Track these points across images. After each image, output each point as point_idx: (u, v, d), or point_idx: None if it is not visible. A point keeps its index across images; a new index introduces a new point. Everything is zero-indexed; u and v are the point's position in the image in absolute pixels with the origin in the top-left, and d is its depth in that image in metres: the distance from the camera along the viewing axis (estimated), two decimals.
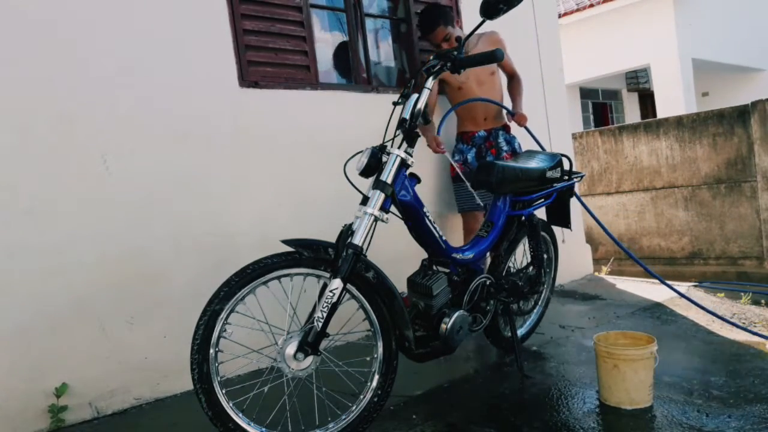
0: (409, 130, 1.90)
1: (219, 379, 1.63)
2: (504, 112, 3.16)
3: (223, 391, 1.63)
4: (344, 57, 3.11)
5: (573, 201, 2.67)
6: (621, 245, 3.00)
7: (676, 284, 3.88)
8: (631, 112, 12.68)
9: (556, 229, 2.76)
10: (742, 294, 3.56)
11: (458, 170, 2.87)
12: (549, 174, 2.43)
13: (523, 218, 2.47)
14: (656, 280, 3.67)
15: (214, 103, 2.52)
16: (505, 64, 3.20)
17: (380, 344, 1.84)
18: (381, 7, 3.33)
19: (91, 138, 2.22)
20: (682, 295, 2.96)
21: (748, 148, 4.86)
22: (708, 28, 10.00)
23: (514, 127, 3.17)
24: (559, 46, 4.18)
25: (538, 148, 3.16)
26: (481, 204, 2.92)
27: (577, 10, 10.10)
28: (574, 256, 4.10)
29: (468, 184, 2.64)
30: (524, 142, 3.21)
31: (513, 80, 3.25)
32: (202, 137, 2.48)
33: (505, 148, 3.07)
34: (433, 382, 2.27)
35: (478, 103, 3.06)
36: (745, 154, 4.88)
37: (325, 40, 3.05)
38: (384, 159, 1.86)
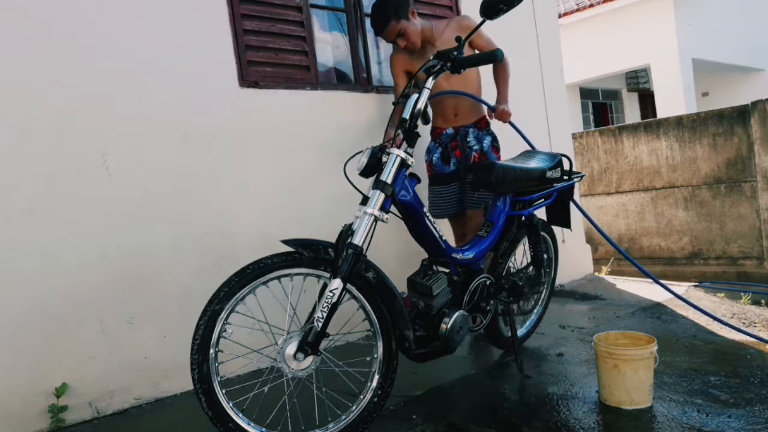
0: (409, 130, 1.90)
1: (219, 379, 1.63)
2: (483, 106, 2.80)
3: (223, 391, 1.63)
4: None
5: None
6: (614, 243, 2.99)
7: (676, 284, 3.89)
8: (631, 112, 12.69)
9: (556, 229, 2.76)
10: (742, 294, 3.56)
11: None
12: (549, 174, 2.43)
13: (523, 218, 2.47)
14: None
15: (214, 102, 2.52)
16: (481, 48, 2.79)
17: (380, 344, 1.84)
18: None
19: (91, 138, 2.22)
20: (676, 295, 2.96)
21: (748, 148, 4.86)
22: (708, 28, 10.00)
23: (499, 123, 2.79)
24: (559, 46, 4.18)
25: (535, 147, 3.09)
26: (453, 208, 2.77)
27: (577, 10, 10.11)
28: (574, 256, 4.10)
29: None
30: (509, 140, 2.92)
31: (497, 64, 2.79)
32: (202, 137, 2.48)
33: (475, 147, 2.71)
34: (433, 382, 2.27)
35: (448, 97, 2.70)
36: (745, 154, 4.88)
37: (325, 40, 3.05)
38: (384, 159, 1.86)
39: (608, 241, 2.91)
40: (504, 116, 2.69)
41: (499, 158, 2.78)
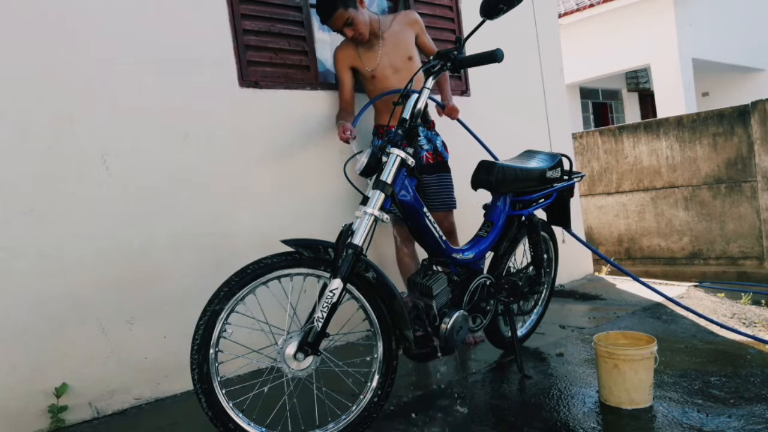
0: (409, 130, 1.90)
1: (219, 379, 1.63)
2: (433, 105, 2.81)
3: (223, 391, 1.63)
4: None
5: (573, 201, 2.66)
6: (609, 259, 2.99)
7: (676, 284, 3.90)
8: (631, 112, 12.69)
9: (556, 229, 2.76)
10: (743, 294, 3.56)
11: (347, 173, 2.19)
12: (549, 174, 2.43)
13: (523, 218, 2.47)
14: (656, 280, 3.68)
15: (214, 102, 2.52)
16: (426, 47, 2.79)
17: (380, 344, 1.84)
18: (381, 7, 3.33)
19: (91, 138, 2.22)
20: (672, 300, 2.95)
21: (748, 148, 4.86)
22: (708, 28, 10.00)
23: (444, 122, 2.79)
24: (559, 46, 4.19)
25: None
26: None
27: (577, 10, 10.11)
28: (574, 256, 4.11)
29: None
30: (452, 146, 2.80)
31: None
32: (203, 137, 2.48)
33: (426, 147, 2.67)
34: (434, 382, 2.27)
35: (396, 94, 2.58)
36: (745, 154, 4.88)
37: (325, 40, 3.05)
38: (384, 159, 1.86)
39: (601, 257, 2.91)
40: (453, 112, 2.73)
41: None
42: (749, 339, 2.56)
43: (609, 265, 4.86)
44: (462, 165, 2.73)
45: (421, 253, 2.35)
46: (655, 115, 9.94)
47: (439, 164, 2.68)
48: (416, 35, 2.75)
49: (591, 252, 4.37)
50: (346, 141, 2.51)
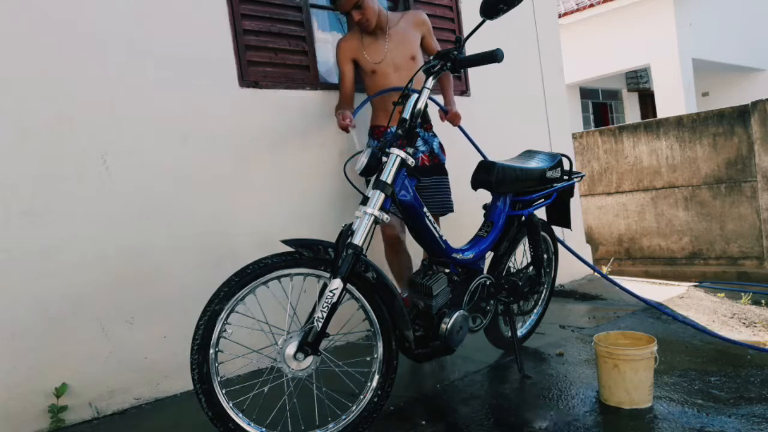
0: (409, 130, 1.90)
1: (219, 379, 1.63)
2: (435, 107, 2.78)
3: (223, 392, 1.63)
4: None
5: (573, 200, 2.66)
6: (596, 269, 2.98)
7: (676, 284, 3.90)
8: (631, 112, 12.68)
9: (556, 229, 2.76)
10: (743, 294, 3.56)
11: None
12: (549, 174, 2.44)
13: (523, 218, 2.47)
14: (656, 280, 3.68)
15: (214, 102, 2.52)
16: (431, 49, 2.76)
17: (380, 344, 1.84)
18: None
19: (91, 138, 2.22)
20: (662, 310, 2.95)
21: (748, 148, 4.86)
22: (708, 28, 10.00)
23: (444, 122, 2.77)
24: (559, 46, 4.19)
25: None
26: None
27: (577, 10, 10.11)
28: (574, 257, 4.10)
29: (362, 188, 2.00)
30: (452, 145, 2.80)
31: None
32: (202, 137, 2.48)
33: (422, 148, 2.62)
34: (433, 382, 2.27)
35: (395, 94, 2.49)
36: (745, 154, 4.88)
37: (325, 40, 3.05)
38: (384, 159, 1.86)
39: (589, 266, 2.90)
40: (456, 119, 2.70)
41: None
42: (757, 338, 2.55)
43: (609, 264, 4.87)
44: (462, 165, 2.73)
45: (419, 254, 2.35)
46: (655, 115, 9.93)
47: (435, 166, 2.66)
48: (422, 36, 2.73)
49: (590, 251, 4.37)
50: (346, 128, 2.46)
